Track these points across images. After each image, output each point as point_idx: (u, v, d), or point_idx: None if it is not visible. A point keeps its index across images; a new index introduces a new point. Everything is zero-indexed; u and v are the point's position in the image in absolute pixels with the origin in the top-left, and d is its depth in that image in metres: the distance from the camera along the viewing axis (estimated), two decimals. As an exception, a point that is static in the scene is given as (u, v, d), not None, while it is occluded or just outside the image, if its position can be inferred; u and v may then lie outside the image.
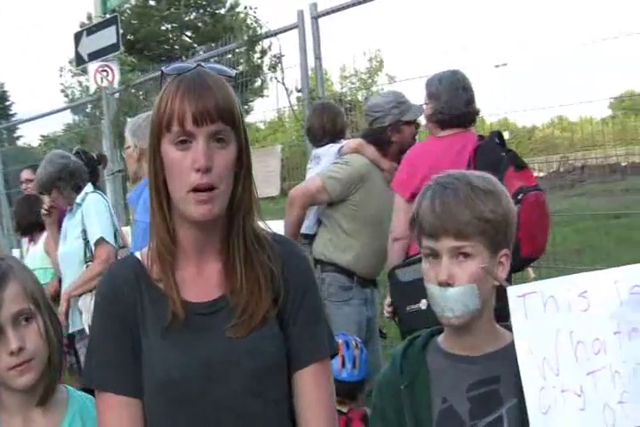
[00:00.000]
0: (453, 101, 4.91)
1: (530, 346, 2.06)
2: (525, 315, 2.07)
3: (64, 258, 6.15)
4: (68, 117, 15.82)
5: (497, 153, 4.61)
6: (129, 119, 5.81)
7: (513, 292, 2.09)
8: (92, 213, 5.91)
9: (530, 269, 3.20)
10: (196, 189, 2.03)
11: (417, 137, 5.78)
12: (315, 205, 5.70)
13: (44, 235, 7.29)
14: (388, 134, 5.61)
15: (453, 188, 2.22)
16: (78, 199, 6.11)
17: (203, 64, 2.18)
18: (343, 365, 4.35)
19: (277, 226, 5.04)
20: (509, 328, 2.27)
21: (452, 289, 2.16)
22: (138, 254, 2.28)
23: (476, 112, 5.08)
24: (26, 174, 8.99)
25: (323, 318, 2.30)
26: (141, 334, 2.15)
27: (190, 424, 2.11)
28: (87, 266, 5.96)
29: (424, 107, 5.17)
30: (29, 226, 7.52)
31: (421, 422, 2.23)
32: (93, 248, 5.87)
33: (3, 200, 14.50)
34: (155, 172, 2.13)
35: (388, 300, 5.11)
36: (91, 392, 2.27)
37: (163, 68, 2.19)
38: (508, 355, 2.21)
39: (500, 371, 2.22)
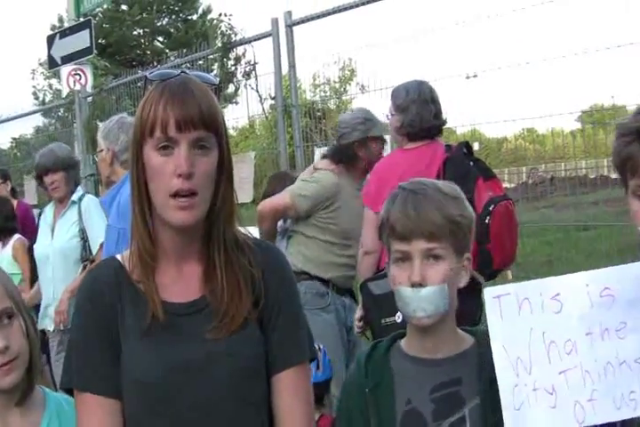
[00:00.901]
0: (423, 114, 4.91)
1: (504, 345, 2.13)
2: (500, 315, 2.13)
3: (55, 255, 6.11)
4: (38, 120, 15.73)
5: (465, 165, 4.65)
6: (100, 123, 5.81)
7: (489, 293, 2.16)
8: (95, 214, 5.91)
9: (508, 271, 3.27)
10: (176, 194, 2.05)
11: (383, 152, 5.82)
12: (282, 218, 5.77)
13: (14, 238, 7.25)
14: (355, 150, 5.65)
15: (424, 193, 2.30)
16: (74, 197, 6.13)
17: (187, 71, 2.21)
18: None
19: (253, 232, 5.08)
20: (470, 332, 2.35)
21: (425, 289, 2.21)
22: (119, 257, 2.29)
23: (444, 123, 5.09)
24: None
25: (303, 322, 2.32)
26: (121, 335, 2.16)
27: (167, 424, 2.11)
28: (85, 265, 5.96)
29: (389, 118, 5.17)
30: None
31: (385, 424, 2.28)
32: (97, 248, 5.87)
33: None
34: (137, 176, 2.14)
35: (358, 314, 5.12)
36: (68, 392, 2.28)
37: (147, 74, 2.21)
38: (468, 357, 2.30)
39: (461, 373, 2.28)
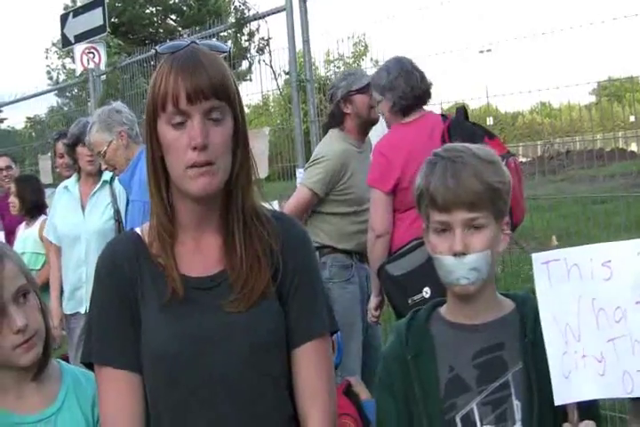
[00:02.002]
0: (412, 84, 4.97)
1: (553, 312, 2.13)
2: (549, 281, 2.13)
3: (90, 236, 6.06)
4: (52, 100, 15.72)
5: (469, 126, 4.70)
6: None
7: (538, 258, 2.16)
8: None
9: (553, 237, 3.28)
10: (193, 166, 2.05)
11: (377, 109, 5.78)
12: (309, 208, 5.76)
13: (41, 219, 7.26)
14: (341, 107, 5.65)
15: (462, 160, 2.27)
16: (106, 177, 6.11)
17: (196, 41, 2.20)
18: None
19: (275, 206, 5.05)
20: (509, 296, 2.35)
21: (468, 257, 2.21)
22: (138, 230, 2.30)
23: (431, 85, 5.13)
24: (1, 162, 8.91)
25: (322, 294, 2.32)
26: (141, 309, 2.17)
27: (187, 398, 2.12)
28: None
29: (376, 102, 5.18)
30: (33, 207, 7.45)
31: (429, 392, 2.28)
32: None
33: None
34: (152, 151, 2.15)
35: (372, 303, 5.10)
36: (88, 366, 2.29)
37: (157, 48, 2.20)
38: (509, 322, 2.29)
39: (503, 338, 2.29)
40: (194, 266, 2.21)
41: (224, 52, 2.23)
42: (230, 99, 2.11)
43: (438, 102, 6.44)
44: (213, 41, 2.29)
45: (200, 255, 2.22)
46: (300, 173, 7.11)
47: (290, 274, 2.24)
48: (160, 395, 2.16)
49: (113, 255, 2.27)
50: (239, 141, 2.16)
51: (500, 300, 2.37)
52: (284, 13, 7.80)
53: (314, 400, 2.22)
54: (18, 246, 7.05)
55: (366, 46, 10.70)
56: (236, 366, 2.13)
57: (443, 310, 2.41)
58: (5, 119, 19.61)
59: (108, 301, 2.21)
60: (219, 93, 2.07)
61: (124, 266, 2.21)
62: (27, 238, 7.20)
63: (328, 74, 10.19)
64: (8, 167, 8.76)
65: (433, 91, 5.15)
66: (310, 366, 2.23)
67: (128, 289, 2.19)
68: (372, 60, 8.74)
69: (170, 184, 2.17)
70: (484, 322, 2.31)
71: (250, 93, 9.31)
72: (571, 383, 2.09)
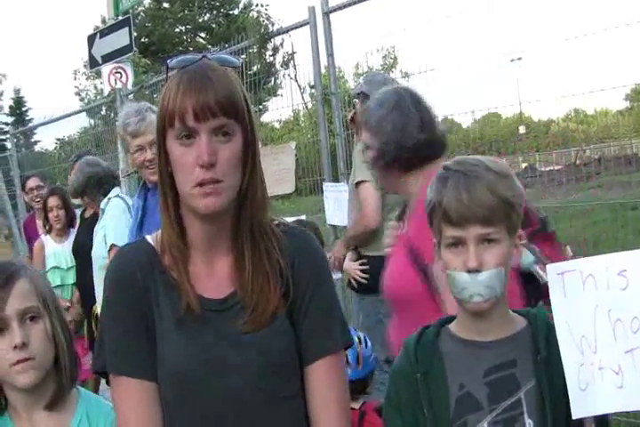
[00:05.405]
0: None
1: (568, 323, 2.09)
2: (564, 292, 2.10)
3: (99, 260, 6.05)
4: (85, 121, 15.88)
5: None
6: None
7: (552, 269, 2.13)
8: (109, 218, 5.86)
9: (568, 247, 3.25)
10: (200, 184, 2.02)
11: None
12: None
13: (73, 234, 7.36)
14: None
15: (475, 174, 2.22)
16: (102, 205, 6.11)
17: (208, 55, 2.17)
18: (347, 362, 4.19)
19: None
20: (521, 313, 2.29)
21: (483, 273, 2.16)
22: (150, 239, 2.27)
23: None
24: (32, 182, 8.98)
25: (335, 310, 2.28)
26: (156, 319, 2.15)
27: (196, 417, 2.11)
28: None
29: None
30: (72, 220, 7.59)
31: (439, 410, 2.23)
32: (106, 250, 5.84)
33: (20, 204, 14.56)
34: (160, 167, 2.14)
35: None
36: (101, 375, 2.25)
37: (167, 62, 2.18)
38: (522, 339, 2.24)
39: (515, 355, 2.23)
40: (207, 287, 2.18)
41: (235, 67, 2.19)
42: (239, 116, 2.08)
43: (470, 110, 6.40)
44: (224, 55, 2.26)
45: (212, 276, 2.20)
46: (326, 186, 7.08)
47: (301, 291, 2.21)
48: (172, 411, 2.14)
49: (125, 263, 2.24)
50: (248, 158, 2.13)
51: (511, 316, 2.32)
52: (307, 27, 7.79)
53: (326, 415, 2.19)
54: (59, 261, 7.22)
55: (395, 58, 10.68)
56: (248, 386, 2.10)
57: (452, 326, 2.36)
58: (39, 141, 19.85)
59: (120, 311, 2.18)
60: (227, 111, 2.05)
61: (136, 274, 2.19)
62: (59, 254, 7.42)
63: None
64: (39, 187, 8.84)
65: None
66: (323, 383, 2.20)
67: (141, 298, 2.17)
68: (401, 71, 8.71)
69: (180, 202, 2.15)
70: (495, 339, 2.26)
71: (279, 108, 9.31)
72: (588, 396, 2.05)
